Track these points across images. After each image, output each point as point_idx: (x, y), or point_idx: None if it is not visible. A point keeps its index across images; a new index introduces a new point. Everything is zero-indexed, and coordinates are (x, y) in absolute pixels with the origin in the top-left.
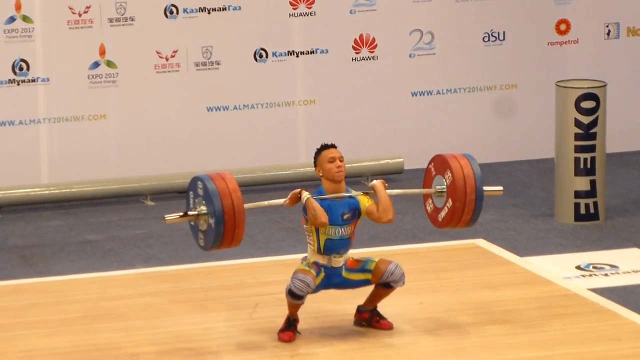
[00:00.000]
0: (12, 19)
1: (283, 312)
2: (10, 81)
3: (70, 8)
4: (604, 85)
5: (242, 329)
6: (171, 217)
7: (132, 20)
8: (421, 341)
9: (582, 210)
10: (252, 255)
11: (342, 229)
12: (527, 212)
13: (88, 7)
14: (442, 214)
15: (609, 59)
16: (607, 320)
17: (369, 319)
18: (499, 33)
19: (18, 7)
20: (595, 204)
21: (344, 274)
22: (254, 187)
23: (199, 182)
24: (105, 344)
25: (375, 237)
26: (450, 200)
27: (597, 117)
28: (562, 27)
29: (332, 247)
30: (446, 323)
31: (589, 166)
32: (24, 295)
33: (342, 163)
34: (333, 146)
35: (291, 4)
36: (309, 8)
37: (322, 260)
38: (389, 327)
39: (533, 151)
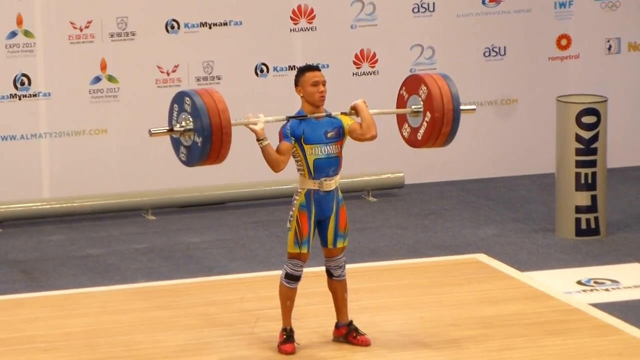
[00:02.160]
0: (13, 34)
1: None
2: (12, 96)
3: (72, 23)
4: (605, 101)
5: (244, 344)
6: (157, 130)
7: (134, 35)
8: (422, 356)
9: (583, 225)
10: (252, 269)
11: (328, 147)
12: (528, 227)
13: (89, 22)
14: (421, 130)
15: (610, 74)
16: (608, 335)
17: (346, 334)
18: (499, 48)
19: (19, 21)
20: (596, 219)
21: (333, 216)
22: (255, 202)
23: (187, 98)
24: (106, 359)
25: (376, 251)
26: (428, 113)
27: (598, 132)
28: (563, 42)
29: (321, 168)
30: (447, 338)
31: (589, 181)
32: (26, 310)
33: (324, 87)
34: (317, 68)
35: (292, 19)
36: (310, 23)
37: (313, 185)
38: (366, 343)
39: (534, 166)
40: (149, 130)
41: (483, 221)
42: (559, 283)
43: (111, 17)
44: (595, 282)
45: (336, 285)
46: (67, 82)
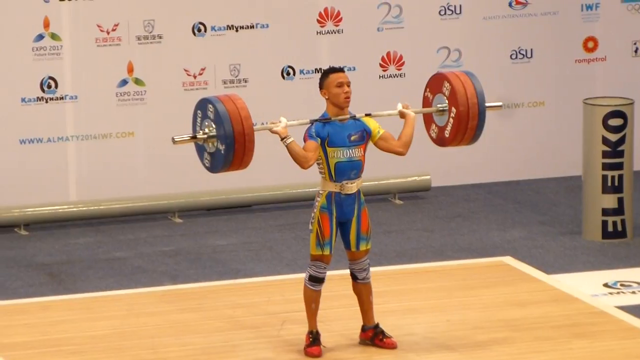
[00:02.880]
0: (40, 37)
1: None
2: (39, 99)
3: (99, 26)
4: (632, 103)
5: (270, 346)
6: (180, 138)
7: (160, 38)
8: (448, 358)
9: (610, 228)
10: (279, 272)
11: (350, 151)
12: (554, 229)
13: (116, 25)
14: (448, 128)
15: (637, 76)
16: (635, 338)
17: (372, 337)
18: (526, 50)
19: (47, 25)
20: (623, 221)
21: (354, 218)
22: (281, 205)
23: (210, 105)
24: None
25: (403, 254)
26: (453, 108)
27: (625, 134)
28: (590, 44)
29: (343, 171)
30: (473, 340)
31: (616, 184)
32: (53, 313)
33: (349, 89)
34: (341, 70)
35: (319, 21)
36: (337, 26)
37: (334, 188)
38: (392, 346)
39: (561, 169)
40: (172, 138)
41: (509, 224)
42: (586, 286)
43: (138, 20)
44: (622, 285)
45: (361, 288)
46: (94, 85)
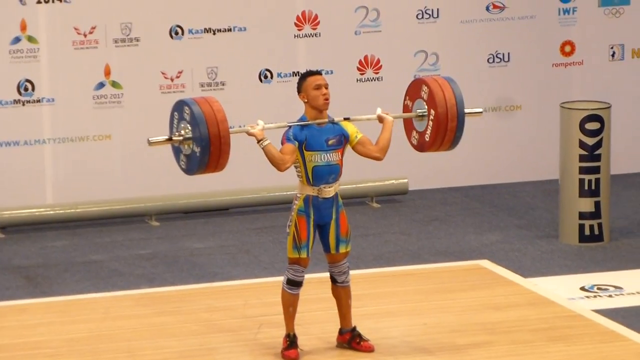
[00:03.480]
0: (17, 40)
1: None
2: (16, 101)
3: (76, 28)
4: (609, 107)
5: (247, 350)
6: (156, 139)
7: (138, 40)
8: None
9: (587, 232)
10: (256, 275)
11: (328, 155)
12: (531, 233)
13: (93, 28)
14: (428, 131)
15: (614, 80)
16: (612, 341)
17: (349, 340)
18: (503, 54)
19: (23, 27)
20: (599, 225)
21: (333, 222)
22: (258, 208)
23: (186, 107)
24: None
25: (380, 257)
26: (432, 110)
27: (602, 138)
28: (567, 48)
29: (320, 175)
30: (450, 344)
31: (593, 187)
32: (29, 316)
33: (327, 91)
34: (318, 73)
35: (296, 25)
36: (314, 29)
37: (311, 191)
38: (369, 349)
39: (538, 172)
40: (148, 140)
41: (487, 227)
42: (563, 289)
43: (115, 23)
44: (598, 289)
45: (340, 291)
46: (70, 88)
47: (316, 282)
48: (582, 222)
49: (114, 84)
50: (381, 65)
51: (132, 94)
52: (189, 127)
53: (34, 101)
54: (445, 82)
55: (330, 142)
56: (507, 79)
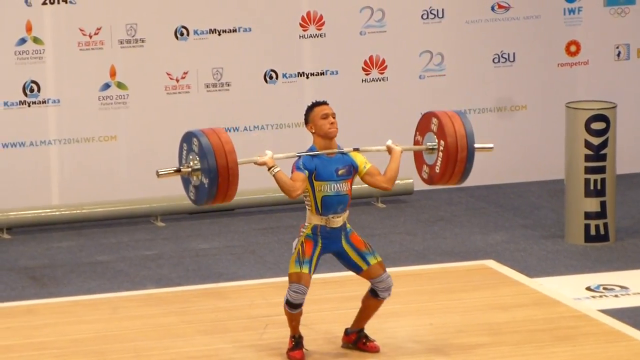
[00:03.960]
0: (23, 41)
1: None
2: (21, 102)
3: (81, 29)
4: (614, 107)
5: (253, 350)
6: (164, 171)
7: (143, 41)
8: None
9: (592, 232)
10: (262, 275)
11: (338, 185)
12: (537, 233)
13: (99, 29)
14: (438, 163)
15: (619, 80)
16: (617, 341)
17: (355, 340)
18: (509, 54)
19: (29, 28)
20: (605, 225)
21: (344, 244)
22: (264, 208)
23: (194, 139)
24: None
25: (385, 257)
26: (441, 141)
27: (607, 138)
28: (572, 48)
29: (329, 205)
30: (456, 344)
31: (599, 187)
32: (35, 316)
33: (334, 120)
34: (325, 103)
35: (301, 25)
36: (319, 29)
37: (320, 221)
38: (375, 349)
39: (543, 172)
40: (157, 172)
41: (492, 227)
42: (568, 289)
43: (120, 24)
44: (604, 288)
45: (373, 303)
46: (76, 89)
47: (321, 282)
48: (587, 222)
49: (120, 85)
50: (386, 66)
51: (137, 95)
52: (198, 159)
53: (39, 102)
54: (455, 115)
55: (340, 172)
56: (513, 79)
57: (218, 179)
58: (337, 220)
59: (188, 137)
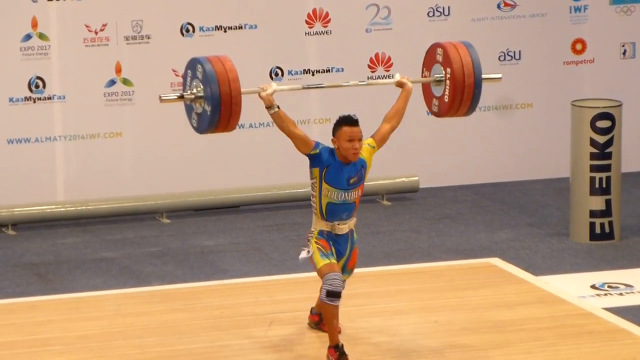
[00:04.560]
0: (28, 37)
1: (297, 330)
2: (27, 99)
3: (87, 26)
4: (620, 105)
5: (257, 347)
6: (167, 97)
7: (149, 38)
8: None
9: (598, 230)
10: (267, 273)
11: (346, 194)
12: (542, 231)
13: (104, 25)
14: (446, 92)
15: (625, 78)
16: (622, 339)
17: (318, 322)
18: (514, 52)
19: (34, 24)
20: (610, 223)
21: (346, 255)
22: (269, 206)
23: (199, 66)
24: None
25: (390, 255)
26: (448, 69)
27: (613, 136)
28: (578, 46)
29: (335, 212)
30: (461, 342)
31: (604, 185)
32: (40, 312)
33: (359, 144)
34: (356, 123)
35: (307, 22)
36: (325, 27)
37: (325, 227)
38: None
39: (548, 170)
40: (160, 97)
41: (497, 225)
42: (573, 287)
43: (126, 21)
44: (609, 287)
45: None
46: (82, 85)
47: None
48: (592, 220)
49: (125, 82)
50: (392, 63)
51: (143, 92)
52: (201, 86)
53: (45, 98)
54: (459, 44)
55: (351, 181)
56: (518, 77)
57: (220, 107)
58: (343, 228)
59: (193, 64)
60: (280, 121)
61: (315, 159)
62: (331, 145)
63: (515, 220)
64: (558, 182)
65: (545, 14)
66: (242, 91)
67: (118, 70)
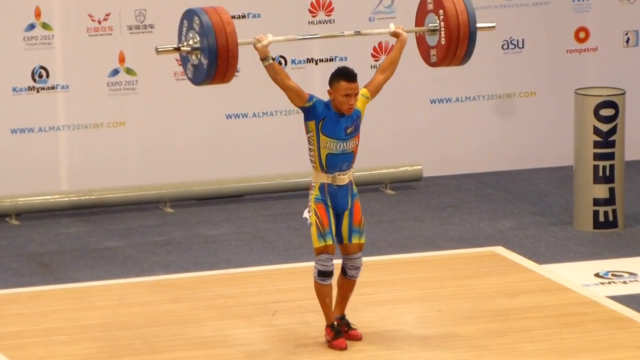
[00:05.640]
0: (31, 26)
1: (302, 319)
2: (30, 88)
3: (90, 15)
4: (623, 93)
5: (261, 336)
6: (164, 48)
7: (152, 27)
8: (440, 348)
9: (601, 218)
10: (271, 262)
11: (344, 144)
12: (546, 219)
13: (108, 15)
14: (442, 35)
15: (628, 66)
16: (626, 327)
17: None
18: (518, 41)
19: (38, 14)
20: (614, 211)
21: (348, 209)
22: (273, 195)
23: (196, 17)
24: (124, 351)
25: (394, 244)
26: (440, 10)
27: (616, 124)
28: (581, 34)
29: (334, 163)
30: (465, 330)
31: (607, 174)
32: (43, 302)
33: (356, 97)
34: (354, 79)
35: (310, 11)
36: (328, 15)
37: (326, 179)
38: (357, 337)
39: (552, 159)
40: (156, 48)
41: (501, 214)
42: (577, 276)
43: (129, 10)
44: (613, 275)
45: (345, 283)
46: (85, 75)
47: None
48: (596, 208)
49: (128, 71)
50: None
51: (146, 81)
52: (198, 37)
53: (48, 88)
54: None
55: (348, 131)
56: (522, 66)
57: (217, 60)
58: (343, 178)
59: (189, 15)
60: (274, 73)
61: (310, 112)
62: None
63: (519, 209)
64: (561, 171)
65: (548, 2)
66: (239, 42)
67: (121, 59)
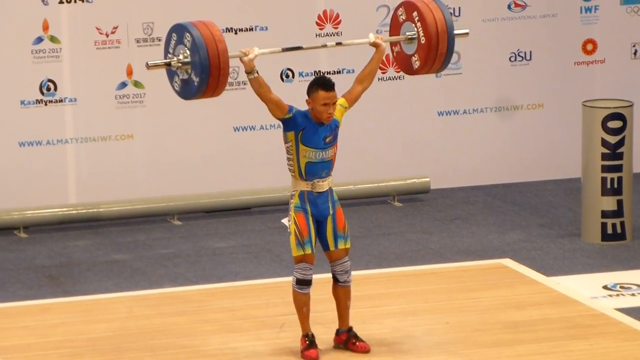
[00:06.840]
0: (39, 40)
1: None
2: (38, 101)
3: (98, 28)
4: (631, 105)
5: (269, 349)
6: (154, 63)
7: (159, 40)
8: None
9: (609, 230)
10: (278, 274)
11: (323, 152)
12: (553, 231)
13: (115, 28)
14: (421, 34)
15: (636, 78)
16: (634, 340)
17: (345, 341)
18: (525, 53)
19: (46, 27)
20: (622, 223)
21: (330, 216)
22: (280, 207)
23: (187, 34)
24: None
25: (402, 256)
26: (414, 12)
27: (624, 136)
28: (589, 46)
29: (314, 171)
30: (473, 343)
31: (615, 186)
32: (52, 315)
33: (334, 106)
34: (332, 88)
35: (317, 24)
36: (335, 28)
37: (305, 186)
38: (365, 349)
39: (560, 171)
40: (147, 63)
41: (509, 226)
42: (585, 288)
43: (137, 23)
44: (621, 287)
45: (340, 291)
46: (93, 88)
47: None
48: (604, 220)
49: (136, 84)
50: None
51: (154, 94)
52: (188, 53)
53: (56, 101)
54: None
55: (327, 140)
56: (529, 78)
57: (209, 78)
58: (323, 185)
59: (179, 30)
60: (259, 86)
61: (289, 123)
62: (304, 108)
63: (527, 221)
64: (569, 183)
65: (555, 14)
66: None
67: (129, 72)
